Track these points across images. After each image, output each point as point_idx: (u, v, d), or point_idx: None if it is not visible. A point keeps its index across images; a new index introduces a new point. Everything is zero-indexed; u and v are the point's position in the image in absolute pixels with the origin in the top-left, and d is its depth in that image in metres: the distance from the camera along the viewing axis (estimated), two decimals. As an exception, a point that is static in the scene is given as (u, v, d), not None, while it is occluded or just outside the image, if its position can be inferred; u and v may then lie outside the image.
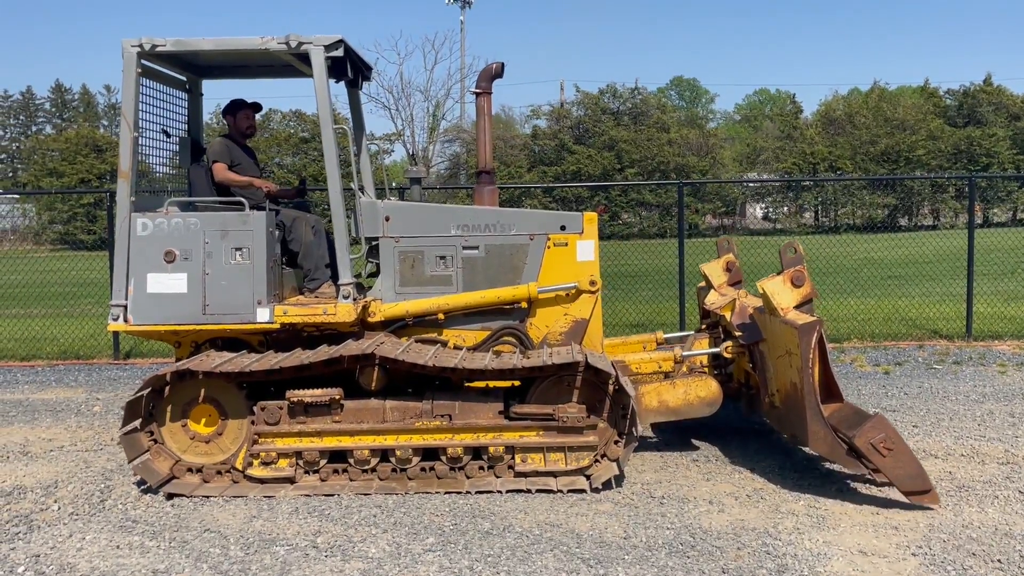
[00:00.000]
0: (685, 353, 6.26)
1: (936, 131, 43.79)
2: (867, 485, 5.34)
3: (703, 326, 6.99)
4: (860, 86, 57.90)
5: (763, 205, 43.74)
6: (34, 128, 71.73)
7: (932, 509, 4.90)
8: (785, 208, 41.41)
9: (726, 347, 6.18)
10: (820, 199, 41.87)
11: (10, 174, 67.09)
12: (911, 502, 4.96)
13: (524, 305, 5.96)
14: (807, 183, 40.66)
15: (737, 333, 6.10)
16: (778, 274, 5.56)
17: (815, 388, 5.15)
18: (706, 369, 6.27)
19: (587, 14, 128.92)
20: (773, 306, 5.48)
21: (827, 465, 5.79)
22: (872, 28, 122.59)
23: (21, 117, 73.66)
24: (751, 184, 38.19)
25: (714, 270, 7.04)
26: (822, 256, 18.48)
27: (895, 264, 20.04)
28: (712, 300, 6.83)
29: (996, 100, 46.18)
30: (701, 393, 5.95)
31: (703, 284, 7.23)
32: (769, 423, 6.51)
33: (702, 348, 6.38)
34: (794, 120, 48.07)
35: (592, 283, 5.96)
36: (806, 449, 6.20)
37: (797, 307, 5.47)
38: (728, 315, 6.30)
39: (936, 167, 42.28)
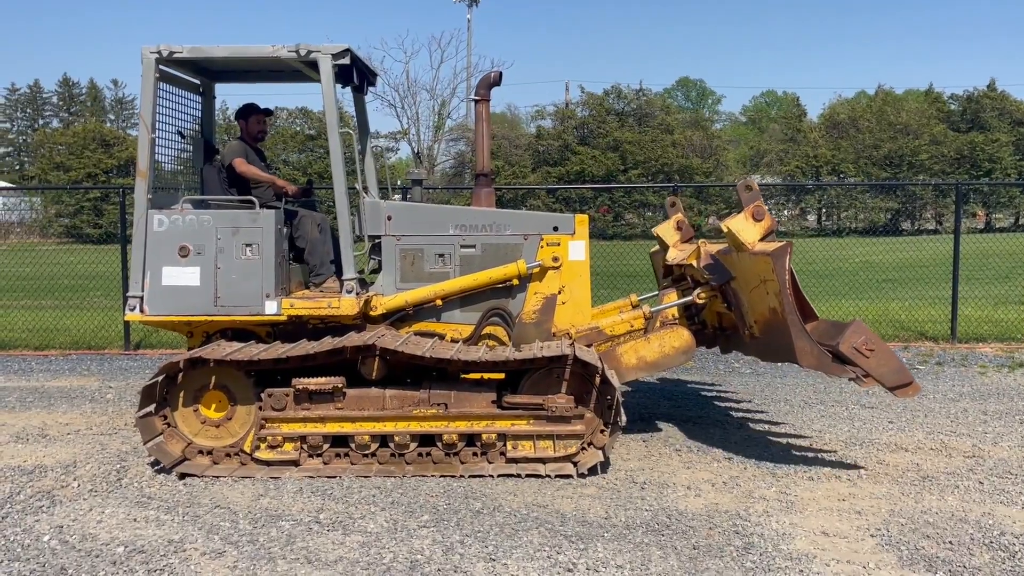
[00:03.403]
0: (654, 309, 6.58)
1: (939, 136, 44.05)
2: (837, 475, 5.67)
3: (666, 283, 7.31)
4: (867, 89, 58.25)
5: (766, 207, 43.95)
6: (41, 122, 72.24)
7: (894, 496, 5.23)
8: (786, 211, 41.66)
9: (698, 294, 6.52)
10: (823, 202, 42.14)
11: (17, 167, 67.61)
12: (897, 396, 5.45)
13: (516, 282, 6.29)
14: (809, 187, 40.94)
15: (707, 277, 6.44)
16: (739, 212, 5.88)
17: (795, 307, 5.53)
18: (677, 321, 6.59)
19: (594, 14, 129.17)
20: (740, 242, 5.79)
21: (800, 456, 6.12)
22: (879, 32, 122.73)
23: (28, 110, 74.19)
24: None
25: (666, 231, 7.41)
26: (821, 259, 18.78)
27: (892, 268, 20.32)
28: (674, 256, 7.17)
29: (1000, 106, 46.43)
30: (675, 343, 6.29)
31: (656, 249, 7.61)
32: (750, 355, 6.87)
33: (672, 301, 6.70)
34: (798, 123, 48.35)
35: (555, 259, 6.30)
36: (782, 441, 6.54)
37: (761, 240, 5.80)
38: (695, 263, 6.64)
39: (939, 172, 42.54)
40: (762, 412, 7.48)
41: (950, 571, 4.20)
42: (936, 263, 18.39)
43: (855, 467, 5.84)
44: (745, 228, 5.80)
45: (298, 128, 42.24)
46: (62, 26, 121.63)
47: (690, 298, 6.56)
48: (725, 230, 5.86)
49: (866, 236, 33.93)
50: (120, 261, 11.01)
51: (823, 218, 43.10)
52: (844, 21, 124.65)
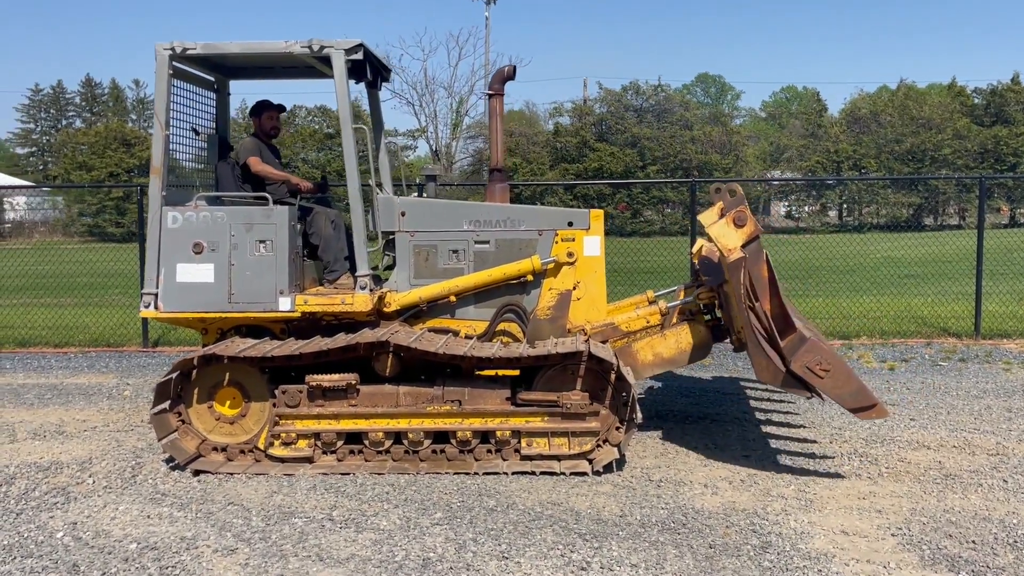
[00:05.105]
0: (670, 305, 6.51)
1: (963, 130, 43.47)
2: (857, 472, 5.58)
3: (691, 278, 7.23)
4: (889, 83, 57.65)
5: (786, 203, 43.68)
6: (64, 122, 72.95)
7: (916, 494, 5.13)
8: (807, 207, 41.31)
9: (698, 294, 6.44)
10: (844, 197, 41.73)
11: (41, 167, 68.38)
12: (860, 419, 5.26)
13: (530, 278, 6.24)
14: (830, 182, 40.58)
15: (705, 278, 6.35)
16: (722, 217, 5.79)
17: (751, 320, 5.45)
18: (694, 317, 6.49)
19: (612, 10, 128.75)
20: (720, 247, 5.72)
21: (820, 453, 6.03)
22: (900, 26, 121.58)
23: (51, 111, 74.92)
24: (774, 183, 38.19)
25: (709, 219, 7.25)
26: (842, 255, 18.61)
27: (914, 263, 20.06)
28: (694, 250, 7.09)
29: (1024, 99, 45.75)
30: (691, 340, 6.22)
31: None
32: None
33: (684, 298, 6.61)
34: (818, 118, 47.92)
35: (570, 254, 6.24)
36: (801, 438, 6.44)
37: (744, 246, 5.69)
38: (697, 262, 6.54)
39: (962, 166, 41.99)
40: (781, 409, 7.38)
41: (973, 571, 4.11)
42: (959, 258, 18.15)
43: (875, 465, 5.74)
44: (726, 234, 5.71)
45: (316, 127, 42.37)
46: (85, 27, 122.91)
47: (690, 299, 6.48)
48: (709, 235, 5.78)
49: (888, 231, 33.56)
50: (138, 259, 11.05)
51: (844, 213, 42.70)
52: (865, 15, 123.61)
